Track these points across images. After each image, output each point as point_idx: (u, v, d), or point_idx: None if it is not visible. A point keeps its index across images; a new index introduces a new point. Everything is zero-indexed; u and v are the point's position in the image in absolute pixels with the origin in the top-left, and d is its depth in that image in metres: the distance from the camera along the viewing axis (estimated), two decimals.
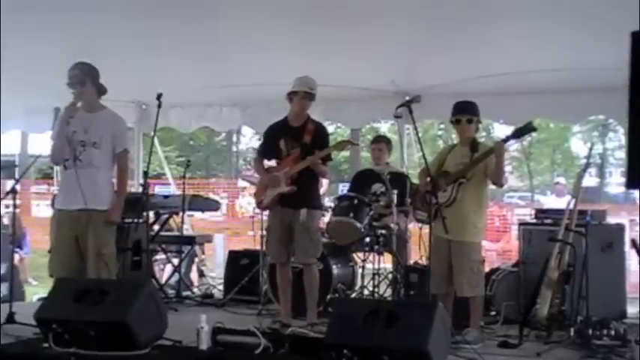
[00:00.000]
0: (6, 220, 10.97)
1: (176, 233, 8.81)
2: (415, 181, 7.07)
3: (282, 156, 6.43)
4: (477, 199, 5.96)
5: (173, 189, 11.08)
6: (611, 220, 7.32)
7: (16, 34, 6.72)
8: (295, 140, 6.36)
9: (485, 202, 6.19)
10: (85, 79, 5.79)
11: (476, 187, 5.91)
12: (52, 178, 20.91)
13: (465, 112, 6.01)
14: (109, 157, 5.84)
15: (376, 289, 6.91)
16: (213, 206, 9.89)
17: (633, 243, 5.10)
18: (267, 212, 6.76)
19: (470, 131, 6.04)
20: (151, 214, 8.00)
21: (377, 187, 7.21)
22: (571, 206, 6.13)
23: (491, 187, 6.13)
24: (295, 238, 6.32)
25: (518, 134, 5.91)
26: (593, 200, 23.40)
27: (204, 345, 5.14)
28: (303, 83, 6.34)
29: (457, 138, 6.24)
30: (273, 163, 6.65)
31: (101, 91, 5.93)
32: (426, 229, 5.90)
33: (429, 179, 5.76)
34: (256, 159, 6.93)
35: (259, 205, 6.71)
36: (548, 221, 6.86)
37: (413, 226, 7.31)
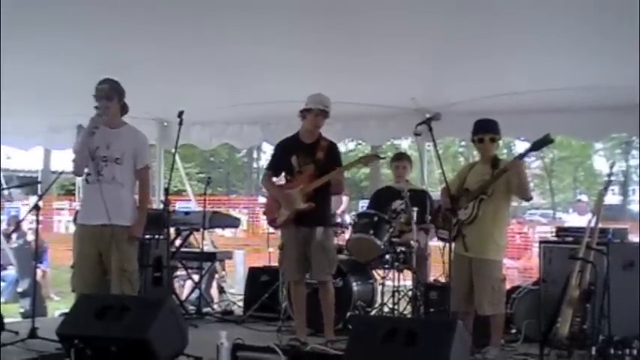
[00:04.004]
0: (29, 237, 11.11)
1: (197, 250, 8.84)
2: (435, 197, 7.08)
3: (294, 172, 6.41)
4: (498, 216, 5.95)
5: (194, 205, 11.13)
6: (634, 238, 7.24)
7: (40, 54, 6.81)
8: (308, 157, 6.34)
9: (506, 220, 6.17)
10: (113, 94, 5.84)
11: (497, 203, 5.90)
12: (74, 194, 21.09)
13: (487, 132, 6.01)
14: (131, 173, 5.88)
15: (396, 307, 6.89)
16: (234, 223, 9.96)
17: None
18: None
19: (492, 150, 6.05)
20: (172, 230, 8.05)
21: (397, 205, 7.21)
22: (592, 224, 6.10)
23: (513, 203, 6.11)
24: (312, 255, 6.31)
25: (535, 147, 5.91)
26: (616, 218, 23.21)
27: None
28: (317, 101, 6.33)
29: (478, 155, 6.24)
30: (280, 180, 6.62)
31: (125, 109, 5.99)
32: (445, 247, 5.89)
33: (451, 196, 5.77)
34: (266, 174, 6.80)
35: (272, 223, 6.65)
36: (570, 239, 6.81)
37: (435, 243, 7.28)
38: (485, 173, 5.96)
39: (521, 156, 5.96)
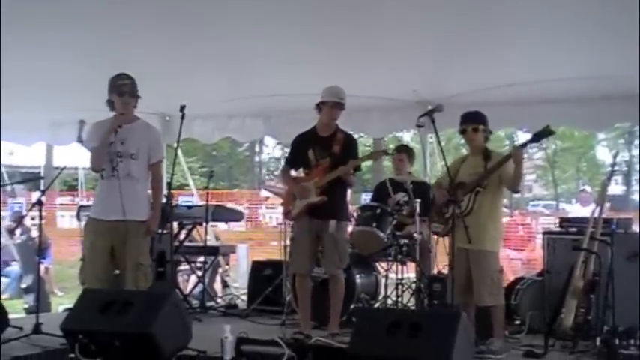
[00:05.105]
0: (33, 233, 11.12)
1: (200, 244, 8.84)
2: None
3: (311, 166, 6.42)
4: (494, 208, 5.97)
5: (196, 200, 11.13)
6: (638, 228, 7.23)
7: (41, 49, 6.81)
8: (324, 150, 6.35)
9: (501, 211, 6.21)
10: (135, 90, 5.83)
11: (492, 195, 5.91)
12: (76, 189, 21.10)
13: (469, 122, 6.05)
14: (145, 168, 5.88)
15: (399, 299, 6.89)
16: (236, 217, 9.95)
17: None
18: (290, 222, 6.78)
19: (477, 140, 6.06)
20: (175, 224, 8.04)
21: (400, 197, 7.21)
22: (596, 214, 6.09)
23: (515, 195, 6.12)
24: (324, 249, 6.34)
25: (536, 138, 5.89)
26: (620, 208, 23.17)
27: (229, 355, 5.15)
28: (332, 93, 6.33)
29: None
30: (300, 173, 6.64)
31: (136, 104, 5.98)
32: (441, 239, 5.90)
33: (448, 189, 5.77)
34: (283, 169, 6.89)
35: (287, 215, 6.69)
36: (573, 230, 6.81)
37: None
38: (477, 165, 5.96)
39: (523, 146, 5.97)
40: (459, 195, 5.86)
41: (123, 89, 5.76)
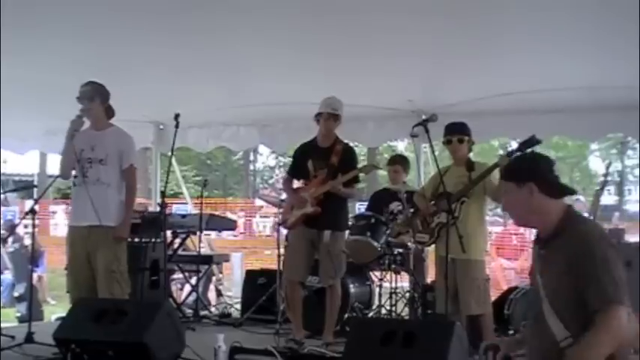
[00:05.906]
0: (26, 241, 11.10)
1: (194, 252, 8.81)
2: None
3: (310, 177, 6.46)
4: (478, 217, 6.00)
5: (190, 208, 11.11)
6: (630, 238, 7.25)
7: (36, 57, 6.80)
8: (322, 161, 6.39)
9: (485, 220, 6.22)
10: (95, 96, 5.88)
11: (476, 205, 5.94)
12: (70, 197, 21.04)
13: (455, 133, 6.07)
14: (117, 174, 5.90)
15: (393, 309, 6.89)
16: (230, 225, 9.95)
17: None
18: (285, 231, 6.79)
19: (462, 151, 6.09)
20: (169, 233, 8.03)
21: (394, 206, 7.21)
22: None
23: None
24: (319, 259, 6.37)
25: (522, 147, 5.90)
26: (612, 218, 23.14)
27: None
28: (326, 104, 6.38)
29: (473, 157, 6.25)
30: (302, 183, 6.67)
31: (110, 112, 6.00)
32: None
33: (432, 199, 5.79)
34: (285, 179, 6.96)
35: (284, 224, 6.73)
36: None
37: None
38: (461, 175, 5.98)
39: (509, 155, 5.99)
40: (443, 205, 5.88)
41: (81, 95, 5.87)
